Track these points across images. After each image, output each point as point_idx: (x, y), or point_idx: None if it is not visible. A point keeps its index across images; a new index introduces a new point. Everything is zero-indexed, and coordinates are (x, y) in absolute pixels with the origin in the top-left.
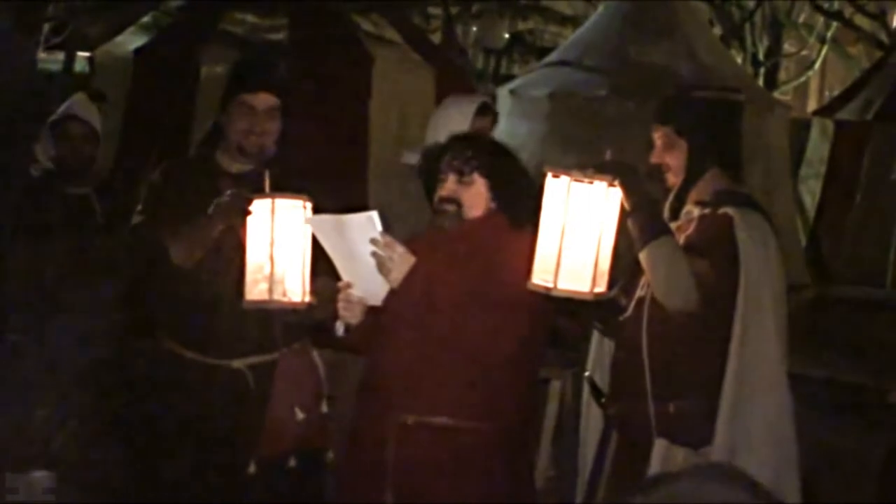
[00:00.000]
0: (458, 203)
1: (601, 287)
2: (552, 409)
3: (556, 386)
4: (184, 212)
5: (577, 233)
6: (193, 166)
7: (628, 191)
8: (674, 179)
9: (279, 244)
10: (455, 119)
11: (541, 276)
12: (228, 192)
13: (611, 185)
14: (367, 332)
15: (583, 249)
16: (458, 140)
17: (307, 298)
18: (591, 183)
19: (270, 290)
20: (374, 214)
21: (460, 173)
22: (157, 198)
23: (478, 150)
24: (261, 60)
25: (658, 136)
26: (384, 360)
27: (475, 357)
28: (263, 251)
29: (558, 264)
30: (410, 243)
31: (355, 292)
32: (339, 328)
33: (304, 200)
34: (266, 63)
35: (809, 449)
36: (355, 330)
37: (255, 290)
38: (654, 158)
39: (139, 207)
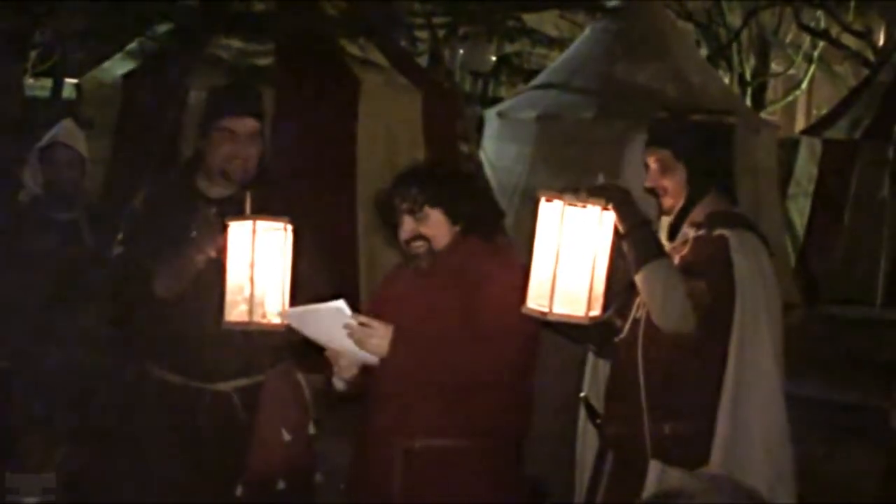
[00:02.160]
0: (424, 238)
1: (596, 311)
2: None
3: None
4: (165, 240)
5: (571, 257)
6: (174, 193)
7: (622, 214)
8: (671, 202)
9: (259, 266)
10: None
11: (536, 300)
12: (204, 220)
13: (604, 208)
14: (369, 379)
15: (577, 273)
16: (401, 179)
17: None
18: (585, 207)
19: (250, 312)
20: (341, 304)
21: (412, 212)
22: (138, 227)
23: (422, 184)
24: (239, 85)
25: (653, 160)
26: (384, 389)
27: (473, 382)
28: (243, 273)
29: (553, 289)
30: (389, 283)
31: (348, 357)
32: (339, 384)
33: (285, 223)
34: (244, 87)
35: (802, 469)
36: (356, 382)
37: (235, 311)
38: (649, 182)
39: (119, 237)
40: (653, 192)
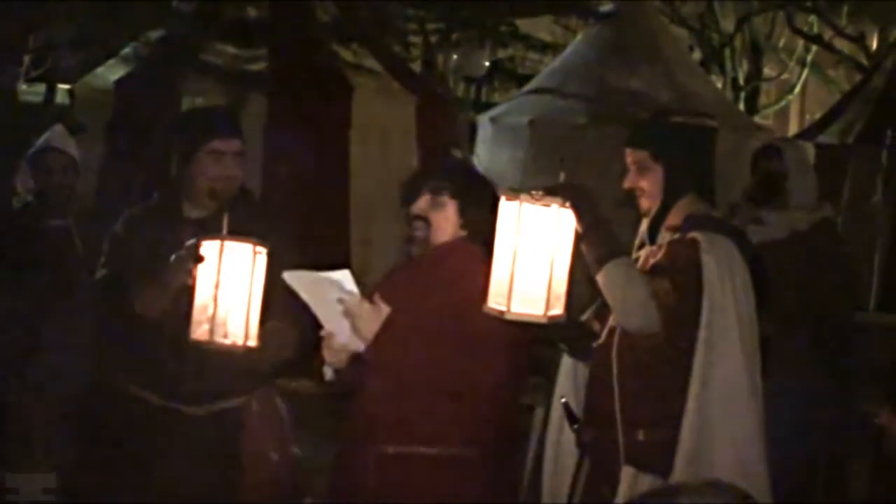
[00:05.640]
0: (426, 221)
1: (557, 310)
2: (534, 436)
3: (539, 413)
4: (147, 263)
5: (528, 256)
6: (156, 215)
7: (580, 213)
8: (648, 204)
9: (224, 286)
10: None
11: (495, 299)
12: (186, 244)
13: (563, 206)
14: (355, 373)
15: (535, 273)
16: (436, 164)
17: (250, 342)
18: (541, 205)
19: (212, 331)
20: (346, 276)
21: (433, 193)
22: (121, 249)
23: (453, 175)
24: (221, 108)
25: (632, 161)
26: (363, 392)
27: (451, 389)
28: (208, 292)
29: (510, 288)
30: (382, 281)
31: (339, 340)
32: (328, 372)
33: (255, 245)
34: (226, 108)
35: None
36: (343, 373)
37: (199, 329)
38: (627, 183)
39: (102, 260)
40: (632, 193)
